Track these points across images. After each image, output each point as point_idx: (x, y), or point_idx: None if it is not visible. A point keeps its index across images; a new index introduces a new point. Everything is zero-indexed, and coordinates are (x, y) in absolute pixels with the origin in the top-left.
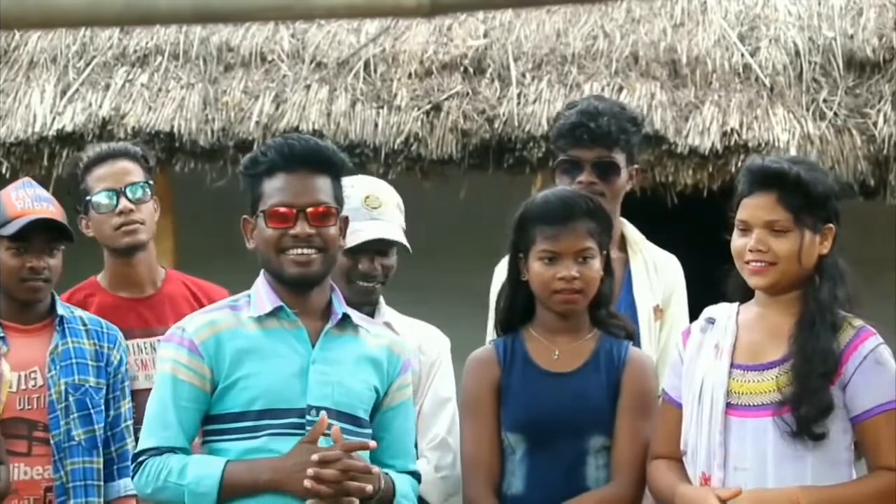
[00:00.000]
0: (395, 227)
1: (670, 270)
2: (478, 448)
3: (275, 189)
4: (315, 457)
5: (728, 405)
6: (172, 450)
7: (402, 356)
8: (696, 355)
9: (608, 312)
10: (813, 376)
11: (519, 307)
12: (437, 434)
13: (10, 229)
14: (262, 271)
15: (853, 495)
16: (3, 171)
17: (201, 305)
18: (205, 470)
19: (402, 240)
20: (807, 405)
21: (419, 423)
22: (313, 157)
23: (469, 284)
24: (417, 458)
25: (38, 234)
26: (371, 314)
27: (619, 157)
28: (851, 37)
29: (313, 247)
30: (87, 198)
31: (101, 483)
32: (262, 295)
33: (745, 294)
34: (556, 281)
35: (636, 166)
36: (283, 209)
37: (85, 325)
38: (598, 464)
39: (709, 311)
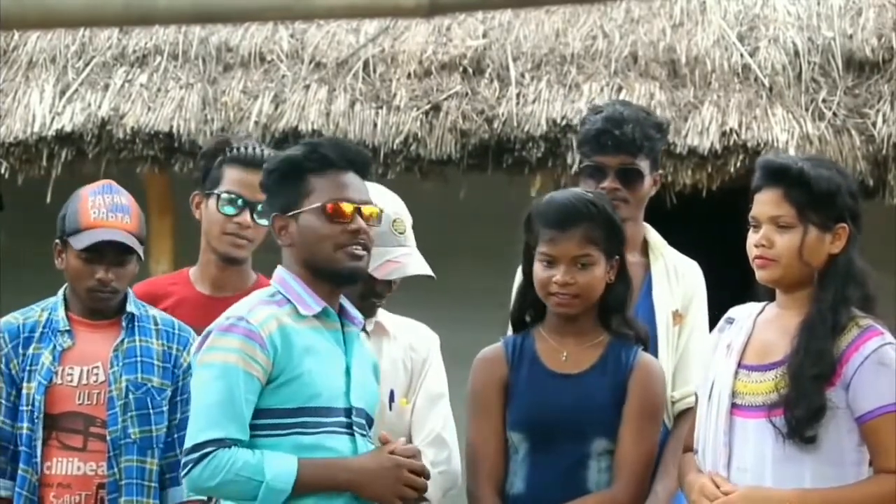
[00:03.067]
0: (419, 255)
1: (691, 276)
2: (483, 446)
3: (330, 185)
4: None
5: (734, 405)
6: (237, 443)
7: (379, 368)
8: (712, 355)
9: (623, 318)
10: (805, 378)
11: (529, 303)
12: (433, 430)
13: (79, 243)
14: (282, 269)
15: (849, 499)
16: (3, 171)
17: None
18: (281, 466)
19: (430, 271)
20: (798, 407)
21: (413, 420)
22: (359, 159)
23: (468, 285)
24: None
25: (110, 245)
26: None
27: (643, 164)
28: (851, 37)
29: (364, 244)
30: (215, 190)
31: (154, 485)
32: (301, 294)
33: (773, 293)
34: (551, 284)
35: (660, 172)
36: (343, 204)
37: (156, 324)
38: (601, 467)
39: (732, 311)
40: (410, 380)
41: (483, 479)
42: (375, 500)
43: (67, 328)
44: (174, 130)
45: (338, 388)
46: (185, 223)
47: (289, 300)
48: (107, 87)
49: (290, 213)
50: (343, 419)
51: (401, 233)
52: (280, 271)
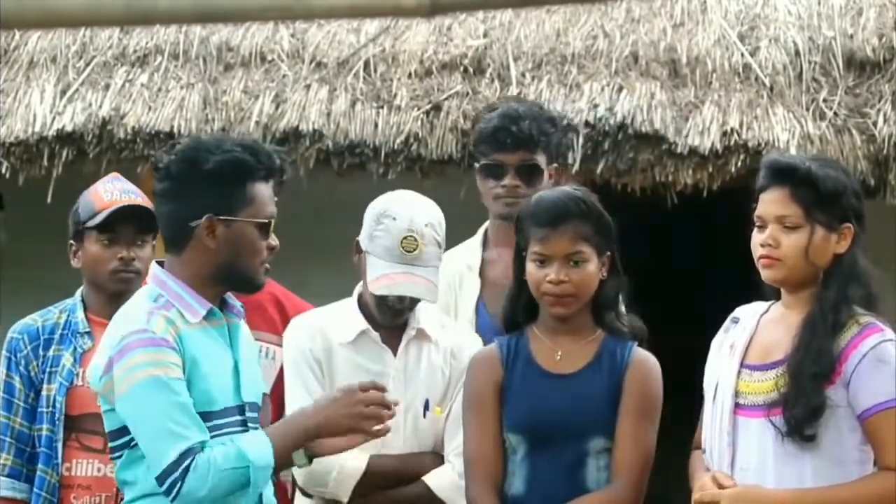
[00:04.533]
0: (426, 279)
1: None
2: (480, 448)
3: (264, 199)
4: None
5: (737, 405)
6: (204, 444)
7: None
8: (717, 355)
9: (616, 314)
10: (804, 377)
11: (522, 305)
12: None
13: (98, 219)
14: (158, 267)
15: (849, 498)
16: (3, 170)
17: (285, 314)
18: (256, 444)
19: (430, 298)
20: (796, 406)
21: (446, 427)
22: (280, 171)
23: None
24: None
25: (127, 225)
26: (406, 320)
27: (541, 159)
28: (851, 36)
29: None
30: None
31: None
32: (186, 299)
33: (778, 292)
34: (545, 283)
35: (555, 165)
36: (269, 221)
37: None
38: (599, 465)
39: (737, 310)
40: (447, 386)
41: (481, 480)
42: (341, 434)
43: (87, 330)
44: (175, 130)
45: (229, 388)
46: None
47: (173, 304)
48: (107, 86)
49: (223, 217)
50: (237, 417)
51: (409, 251)
52: (159, 273)
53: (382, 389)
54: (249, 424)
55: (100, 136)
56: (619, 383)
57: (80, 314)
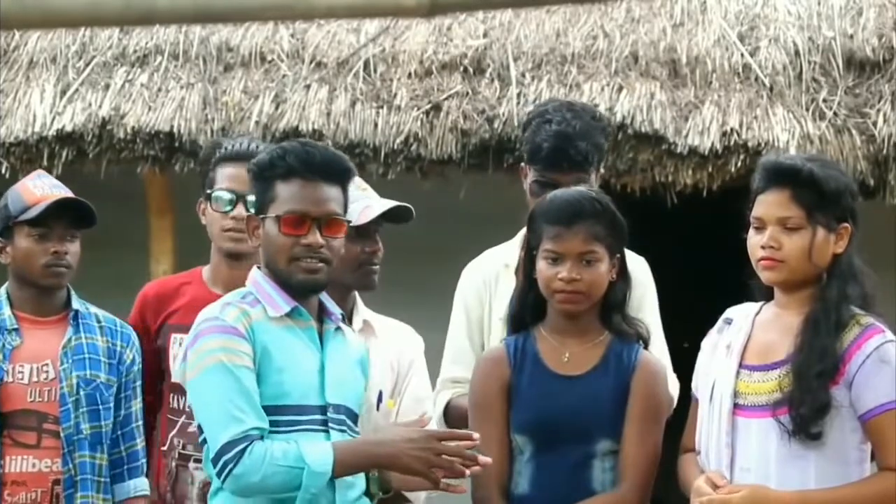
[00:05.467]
0: (381, 199)
1: (638, 274)
2: (486, 447)
3: (291, 195)
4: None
5: (736, 406)
6: (262, 432)
7: (369, 362)
8: (711, 356)
9: (623, 316)
10: (809, 376)
11: (530, 304)
12: None
13: (32, 213)
14: (256, 269)
15: (852, 498)
16: (3, 171)
17: None
18: (318, 449)
19: (397, 203)
20: (802, 405)
21: (397, 422)
22: (331, 167)
23: None
24: None
25: (59, 220)
26: (350, 313)
27: (594, 175)
28: (851, 36)
29: (321, 257)
30: (210, 190)
31: (105, 480)
32: (272, 294)
33: (769, 293)
34: (556, 281)
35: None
36: (298, 216)
37: (99, 322)
38: (605, 467)
39: (729, 311)
40: (396, 381)
41: (487, 481)
42: (409, 474)
43: (15, 326)
44: (175, 130)
45: (311, 386)
46: (186, 223)
47: (259, 301)
48: (107, 86)
49: (260, 216)
50: (318, 416)
51: (363, 189)
52: (254, 272)
53: (469, 439)
54: (331, 425)
55: (100, 136)
56: (626, 386)
57: (7, 311)
